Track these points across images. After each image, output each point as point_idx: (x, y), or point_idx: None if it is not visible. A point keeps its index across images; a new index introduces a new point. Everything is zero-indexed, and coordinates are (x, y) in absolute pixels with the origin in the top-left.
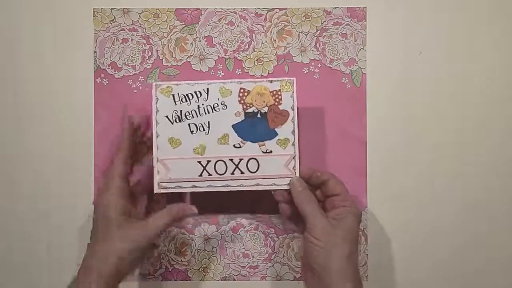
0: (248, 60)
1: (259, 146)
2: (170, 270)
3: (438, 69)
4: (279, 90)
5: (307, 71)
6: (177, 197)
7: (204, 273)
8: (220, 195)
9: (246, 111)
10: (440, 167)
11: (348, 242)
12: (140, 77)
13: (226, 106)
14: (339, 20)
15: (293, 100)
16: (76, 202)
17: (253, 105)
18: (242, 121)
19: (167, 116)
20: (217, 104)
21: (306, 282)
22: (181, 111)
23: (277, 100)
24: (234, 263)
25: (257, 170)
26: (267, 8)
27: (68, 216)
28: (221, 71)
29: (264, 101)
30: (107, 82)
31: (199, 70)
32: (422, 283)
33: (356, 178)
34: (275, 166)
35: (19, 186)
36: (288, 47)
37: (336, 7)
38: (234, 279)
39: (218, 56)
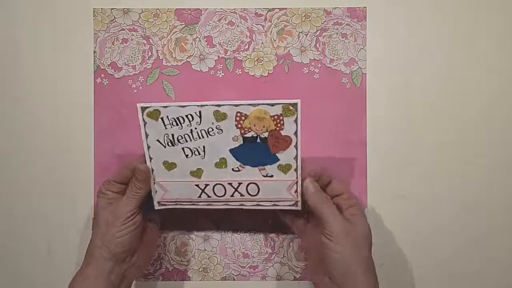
0: (248, 60)
1: (259, 170)
2: (170, 270)
3: (438, 69)
4: (281, 114)
5: (307, 71)
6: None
7: (204, 273)
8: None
9: (244, 135)
10: (440, 167)
11: (365, 243)
12: (140, 77)
13: (221, 130)
14: (339, 20)
15: (297, 126)
16: (76, 202)
17: (251, 130)
18: (240, 145)
19: (158, 140)
20: (212, 129)
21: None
22: (172, 135)
23: (279, 125)
24: (234, 263)
25: (257, 194)
26: (267, 8)
27: (68, 216)
28: (221, 71)
29: (264, 126)
30: (107, 82)
31: (199, 70)
32: (422, 282)
33: (356, 178)
34: (277, 190)
35: (19, 186)
36: (288, 47)
37: (336, 7)
38: (234, 279)
39: (218, 56)
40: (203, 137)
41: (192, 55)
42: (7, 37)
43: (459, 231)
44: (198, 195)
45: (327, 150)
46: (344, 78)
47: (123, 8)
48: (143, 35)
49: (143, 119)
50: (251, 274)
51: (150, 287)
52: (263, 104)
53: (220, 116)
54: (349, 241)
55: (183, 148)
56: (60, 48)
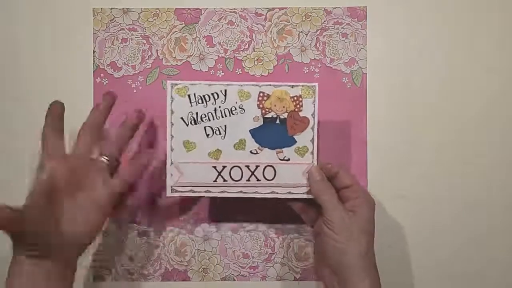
0: (248, 59)
1: (277, 153)
2: (170, 270)
3: (438, 69)
4: (300, 95)
5: (307, 71)
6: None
7: (204, 274)
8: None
9: (265, 116)
10: (440, 167)
11: (365, 235)
12: (139, 76)
13: (244, 110)
14: (340, 20)
15: (315, 107)
16: None
17: (272, 110)
18: (260, 126)
19: (182, 118)
20: (235, 108)
21: (324, 281)
22: (197, 113)
23: (298, 106)
24: (234, 264)
25: (273, 178)
26: (267, 8)
27: None
28: (221, 71)
29: (284, 107)
30: (107, 81)
31: (199, 69)
32: (422, 282)
33: (356, 178)
34: (292, 174)
35: (19, 186)
36: (288, 46)
37: (336, 7)
38: (234, 280)
39: (218, 55)
40: (225, 116)
41: (192, 55)
42: (7, 37)
43: (459, 231)
44: (214, 179)
45: (327, 150)
46: (344, 78)
47: (123, 8)
48: (142, 34)
49: (171, 96)
50: (251, 274)
51: None
52: (284, 85)
53: (244, 95)
54: (347, 231)
55: (205, 127)
56: (59, 47)
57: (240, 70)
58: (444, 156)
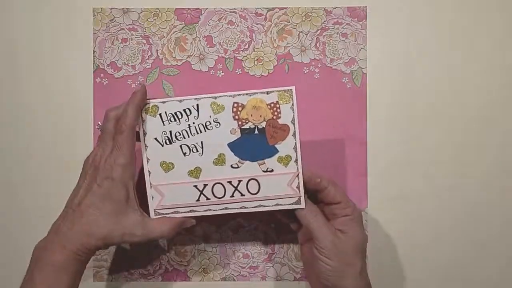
0: (248, 59)
1: (259, 165)
2: (170, 270)
3: (438, 69)
4: (277, 102)
5: (307, 71)
6: None
7: (204, 274)
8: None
9: (242, 127)
10: (440, 167)
11: (359, 257)
12: (139, 77)
13: (219, 123)
14: (340, 20)
15: (293, 113)
16: None
17: (249, 121)
18: (238, 138)
19: (156, 139)
20: (209, 122)
21: None
22: (170, 131)
23: (275, 113)
24: (234, 264)
25: (258, 192)
26: (267, 8)
27: None
28: (221, 71)
29: (261, 116)
30: (107, 81)
31: (199, 69)
32: (423, 282)
33: (356, 178)
34: (278, 186)
35: (18, 186)
36: (288, 46)
37: (336, 7)
38: (234, 280)
39: (218, 55)
40: (200, 132)
41: (192, 55)
42: (6, 37)
43: (459, 231)
44: (197, 198)
45: (327, 150)
46: (344, 78)
47: (123, 8)
48: (142, 34)
49: (141, 117)
50: (251, 274)
51: None
52: (259, 92)
53: (217, 108)
54: (341, 254)
55: (181, 146)
56: (59, 47)
57: (240, 70)
58: (444, 156)
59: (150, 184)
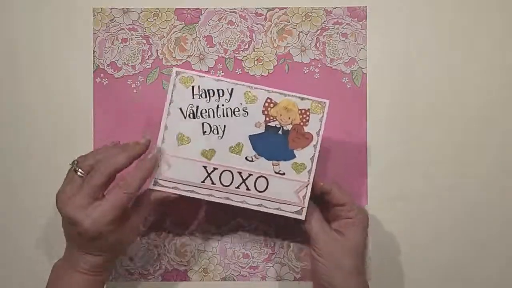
0: (248, 59)
1: (273, 165)
2: (170, 270)
3: (438, 69)
4: (309, 109)
5: (307, 71)
6: None
7: (204, 274)
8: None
9: (268, 124)
10: (440, 167)
11: (352, 257)
12: (139, 76)
13: (247, 113)
14: (340, 20)
15: (321, 125)
16: None
17: (276, 119)
18: (261, 133)
19: (180, 109)
20: (238, 109)
21: None
22: (197, 106)
23: (304, 120)
24: (234, 264)
25: (264, 190)
26: (267, 8)
27: None
28: (221, 71)
29: (289, 118)
30: (107, 81)
31: (199, 69)
32: (423, 282)
33: (356, 178)
34: (285, 190)
35: (18, 186)
36: (288, 46)
37: (336, 7)
38: (234, 280)
39: (218, 55)
40: (227, 115)
41: (192, 55)
42: (6, 37)
43: (459, 231)
44: (202, 180)
45: (327, 150)
46: (344, 78)
47: (123, 8)
48: (142, 34)
49: (174, 83)
50: (251, 274)
51: None
52: (294, 95)
53: (250, 98)
54: (330, 255)
55: (203, 123)
56: (59, 47)
57: (240, 70)
58: (444, 156)
59: (161, 152)
